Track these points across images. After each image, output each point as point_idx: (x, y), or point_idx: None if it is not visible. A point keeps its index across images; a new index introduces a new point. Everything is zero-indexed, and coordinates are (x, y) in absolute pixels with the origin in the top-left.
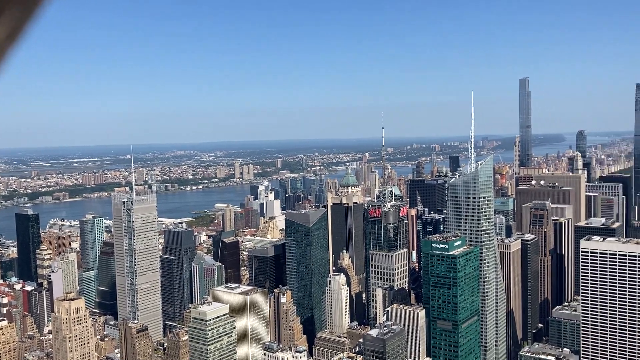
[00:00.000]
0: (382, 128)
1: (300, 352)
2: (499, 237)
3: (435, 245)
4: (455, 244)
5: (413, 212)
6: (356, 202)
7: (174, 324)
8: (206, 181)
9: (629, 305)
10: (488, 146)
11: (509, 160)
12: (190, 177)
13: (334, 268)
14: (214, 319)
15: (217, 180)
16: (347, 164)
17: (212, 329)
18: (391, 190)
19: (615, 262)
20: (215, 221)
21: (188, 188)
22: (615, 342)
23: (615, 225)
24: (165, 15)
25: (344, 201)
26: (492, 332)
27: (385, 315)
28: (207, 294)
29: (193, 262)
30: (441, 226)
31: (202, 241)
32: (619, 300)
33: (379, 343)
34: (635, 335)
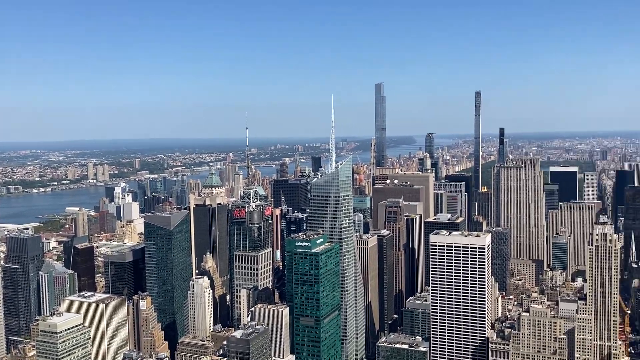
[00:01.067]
0: (247, 128)
1: (161, 359)
2: (358, 234)
3: (299, 243)
4: (318, 241)
5: (277, 211)
6: (220, 203)
7: (19, 339)
8: (55, 183)
9: (471, 293)
10: (347, 147)
11: (366, 160)
12: (37, 178)
13: (197, 271)
14: (65, 330)
15: (68, 182)
16: (211, 164)
17: (64, 341)
18: (256, 190)
19: (459, 253)
20: (67, 226)
21: (34, 190)
22: (460, 327)
23: (459, 220)
24: None
25: (208, 202)
26: (352, 326)
27: (250, 315)
28: (58, 304)
29: (41, 271)
30: (304, 225)
31: (51, 248)
32: (463, 289)
33: (243, 344)
34: (476, 320)
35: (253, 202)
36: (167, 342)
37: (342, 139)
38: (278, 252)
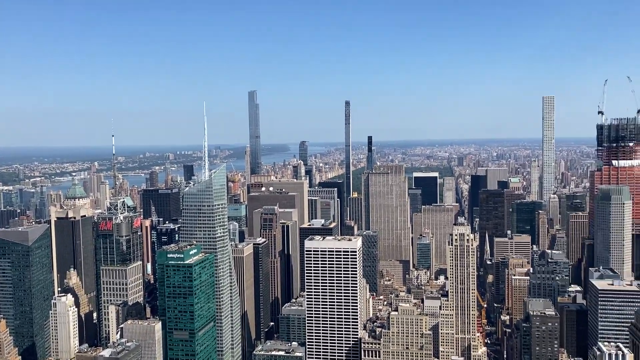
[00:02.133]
0: (113, 135)
1: None
2: (233, 243)
3: (171, 255)
4: (191, 252)
5: (147, 223)
6: (84, 216)
7: None
8: None
9: (344, 295)
10: (221, 155)
11: (241, 168)
12: None
13: (59, 289)
14: None
15: None
16: (74, 174)
17: None
18: (123, 201)
19: (333, 258)
20: None
21: None
22: (334, 329)
23: (332, 225)
24: None
25: (71, 215)
26: (227, 336)
27: (119, 332)
28: None
29: None
30: (177, 236)
31: None
32: (337, 292)
33: None
34: (349, 321)
35: (120, 213)
36: None
37: (216, 147)
38: (149, 265)
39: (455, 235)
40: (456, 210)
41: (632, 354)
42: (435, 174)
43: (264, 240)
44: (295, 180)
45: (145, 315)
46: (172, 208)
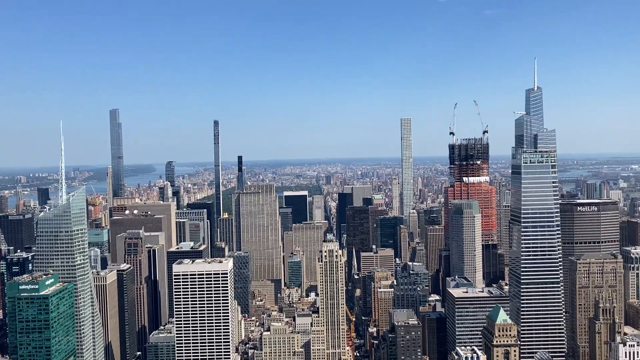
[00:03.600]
0: None
1: None
2: (95, 270)
3: (23, 287)
4: (47, 282)
5: None
6: None
7: None
8: None
9: (215, 319)
10: (80, 177)
11: (102, 191)
12: None
13: None
14: None
15: None
16: None
17: None
18: None
19: (203, 281)
20: None
21: None
22: (205, 354)
23: (202, 247)
24: None
25: None
26: None
27: None
28: None
29: None
30: (30, 265)
31: None
32: (207, 316)
33: None
34: (221, 345)
35: None
36: None
37: (74, 168)
38: None
39: (325, 251)
40: (325, 227)
41: (485, 355)
42: (305, 193)
43: (128, 266)
44: (161, 202)
45: None
46: (25, 235)
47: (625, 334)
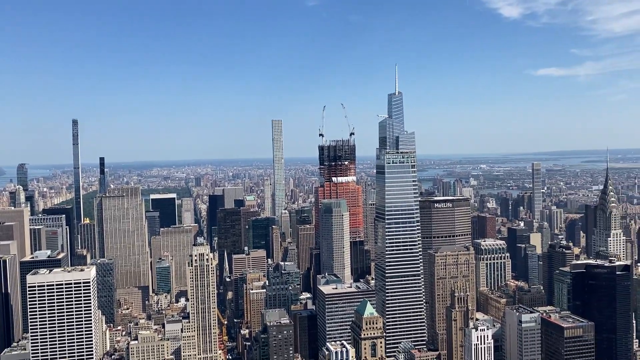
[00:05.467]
0: None
1: None
2: None
3: None
4: None
5: None
6: None
7: None
8: None
9: (76, 331)
10: None
11: None
12: None
13: None
14: None
15: None
16: None
17: None
18: None
19: (62, 291)
20: None
21: None
22: None
23: (61, 255)
24: None
25: None
26: None
27: None
28: None
29: None
30: None
31: None
32: (67, 329)
33: None
34: (83, 358)
35: None
36: None
37: None
38: None
39: (195, 255)
40: (195, 230)
41: (354, 349)
42: (173, 195)
43: None
44: (13, 208)
45: None
46: None
47: (477, 319)
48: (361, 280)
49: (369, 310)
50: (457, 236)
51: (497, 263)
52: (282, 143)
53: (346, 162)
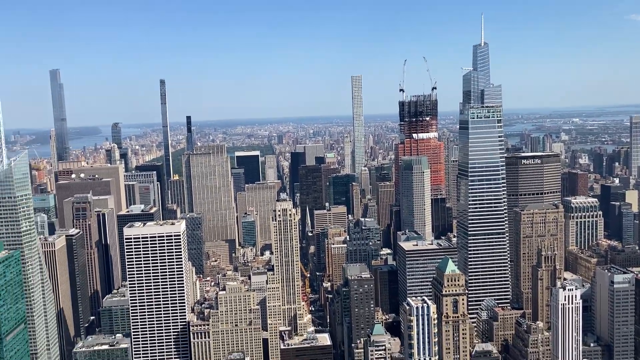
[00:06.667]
0: None
1: None
2: (42, 236)
3: None
4: None
5: None
6: None
7: None
8: None
9: (169, 281)
10: (21, 141)
11: (46, 155)
12: None
13: None
14: None
15: None
16: None
17: None
18: None
19: (155, 244)
20: None
21: None
22: (161, 316)
23: (153, 210)
24: None
25: None
26: (42, 337)
27: None
28: None
29: None
30: None
31: None
32: (161, 278)
33: None
34: (176, 306)
35: None
36: None
37: (15, 132)
38: None
39: (279, 211)
40: (278, 186)
41: (434, 305)
42: (257, 153)
43: (77, 231)
44: (109, 165)
45: None
46: None
47: (565, 279)
48: (442, 237)
49: (451, 267)
50: (545, 194)
51: (589, 221)
52: (362, 99)
53: (427, 118)
